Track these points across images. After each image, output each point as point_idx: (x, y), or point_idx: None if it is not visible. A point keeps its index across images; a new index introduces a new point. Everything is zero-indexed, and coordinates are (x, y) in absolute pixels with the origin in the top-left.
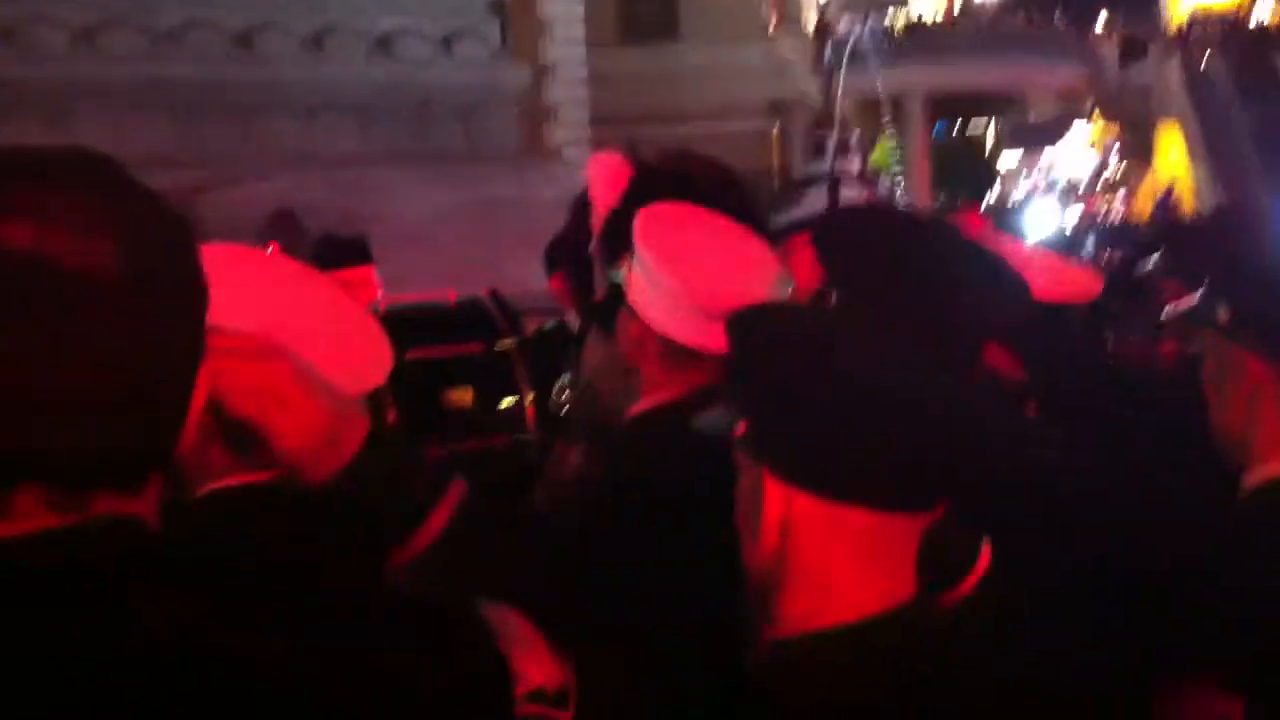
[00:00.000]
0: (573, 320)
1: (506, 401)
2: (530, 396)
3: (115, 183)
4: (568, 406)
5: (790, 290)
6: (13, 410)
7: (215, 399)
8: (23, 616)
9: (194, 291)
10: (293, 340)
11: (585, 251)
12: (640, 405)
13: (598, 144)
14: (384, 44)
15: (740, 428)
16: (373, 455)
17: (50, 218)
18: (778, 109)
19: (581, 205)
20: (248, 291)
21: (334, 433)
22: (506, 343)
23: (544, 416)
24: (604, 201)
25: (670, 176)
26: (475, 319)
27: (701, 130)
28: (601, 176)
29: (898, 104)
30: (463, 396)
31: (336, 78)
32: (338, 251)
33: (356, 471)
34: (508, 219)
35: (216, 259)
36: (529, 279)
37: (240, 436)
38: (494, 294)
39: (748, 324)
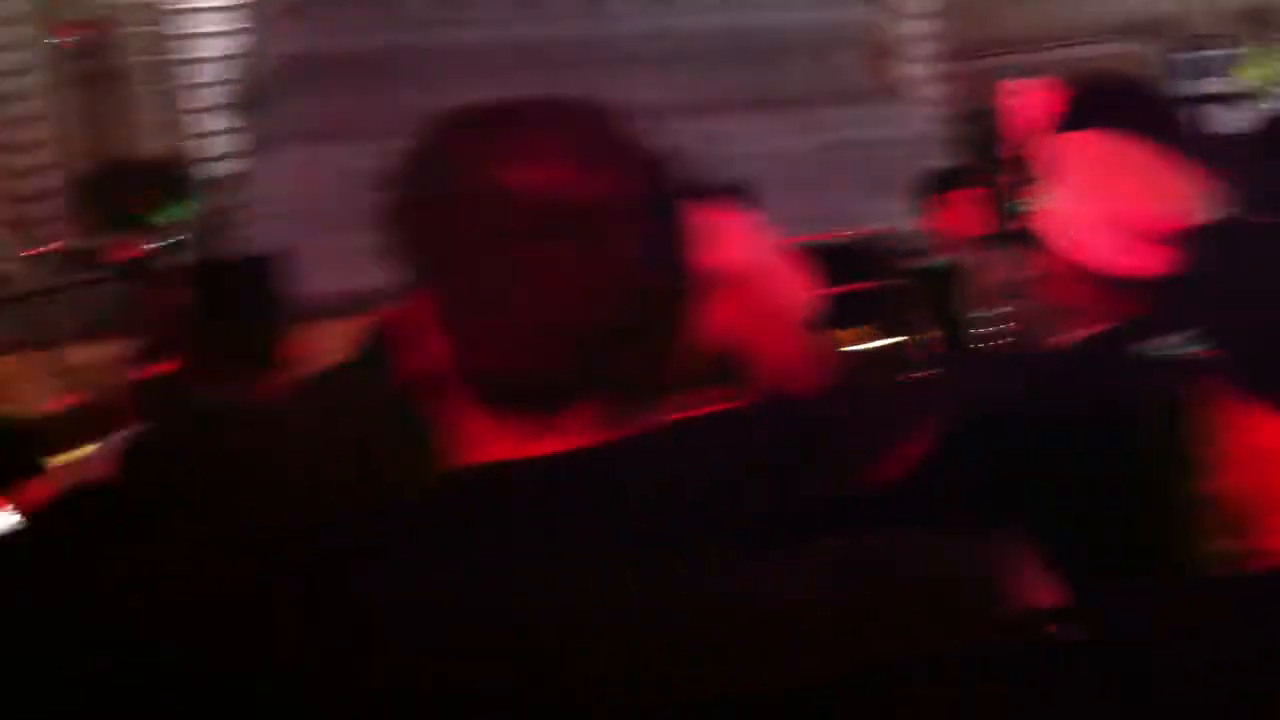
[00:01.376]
0: (957, 255)
1: (898, 338)
2: (924, 333)
3: (605, 119)
4: (980, 339)
5: (1219, 210)
6: (553, 340)
7: (700, 327)
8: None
9: (685, 218)
10: (755, 274)
11: (986, 182)
12: (1071, 335)
13: (947, 78)
14: None
15: (1196, 352)
16: (849, 378)
17: (555, 156)
18: (1140, 28)
19: (985, 132)
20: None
21: (808, 357)
22: (898, 280)
23: (948, 351)
24: (1017, 129)
25: (1087, 99)
26: (865, 257)
27: (1056, 56)
28: (1014, 104)
29: None
30: (859, 335)
31: (687, 25)
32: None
33: (833, 394)
34: (861, 160)
35: None
36: (882, 219)
37: (721, 364)
38: (881, 233)
39: (1205, 241)
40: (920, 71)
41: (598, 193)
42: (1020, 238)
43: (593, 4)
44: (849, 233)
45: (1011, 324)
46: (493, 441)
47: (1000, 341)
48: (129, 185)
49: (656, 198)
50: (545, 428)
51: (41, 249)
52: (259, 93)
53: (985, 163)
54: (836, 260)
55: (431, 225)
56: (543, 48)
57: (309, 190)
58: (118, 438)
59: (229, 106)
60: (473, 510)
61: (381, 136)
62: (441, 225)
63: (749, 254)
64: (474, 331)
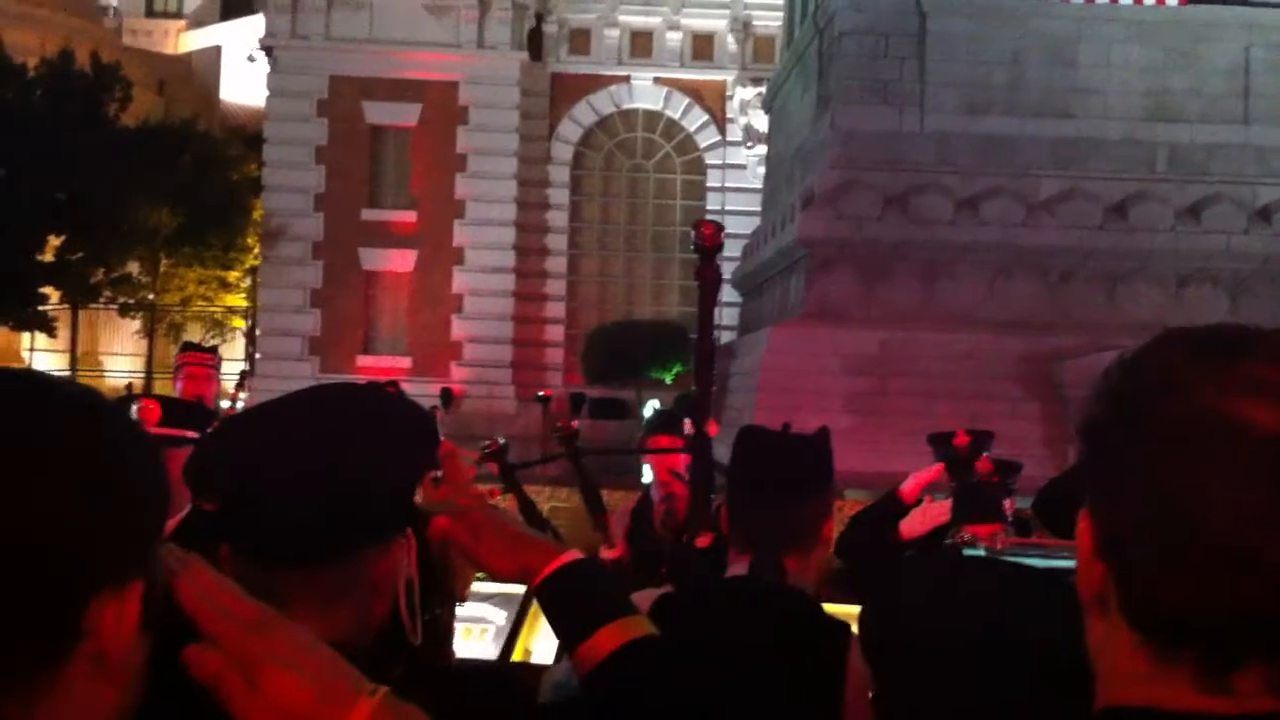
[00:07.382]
0: None
1: None
2: None
3: None
4: None
5: None
6: (1241, 579)
7: None
8: None
9: None
10: None
11: None
12: None
13: None
14: (1264, 214)
15: None
16: None
17: None
18: None
19: None
20: None
21: None
22: None
23: None
24: None
25: None
26: None
27: None
28: None
29: None
30: None
31: (1211, 247)
32: None
33: None
34: None
35: None
36: None
37: None
38: None
39: None
40: None
41: None
42: None
43: (1115, 216)
44: None
45: None
46: (1147, 682)
47: None
48: (639, 341)
49: None
50: (1213, 683)
51: (540, 394)
52: (763, 273)
53: None
54: None
55: (1137, 444)
56: (1053, 255)
57: (808, 368)
58: (652, 593)
59: (736, 282)
60: None
61: (883, 324)
62: (1151, 446)
63: None
64: (1165, 563)
